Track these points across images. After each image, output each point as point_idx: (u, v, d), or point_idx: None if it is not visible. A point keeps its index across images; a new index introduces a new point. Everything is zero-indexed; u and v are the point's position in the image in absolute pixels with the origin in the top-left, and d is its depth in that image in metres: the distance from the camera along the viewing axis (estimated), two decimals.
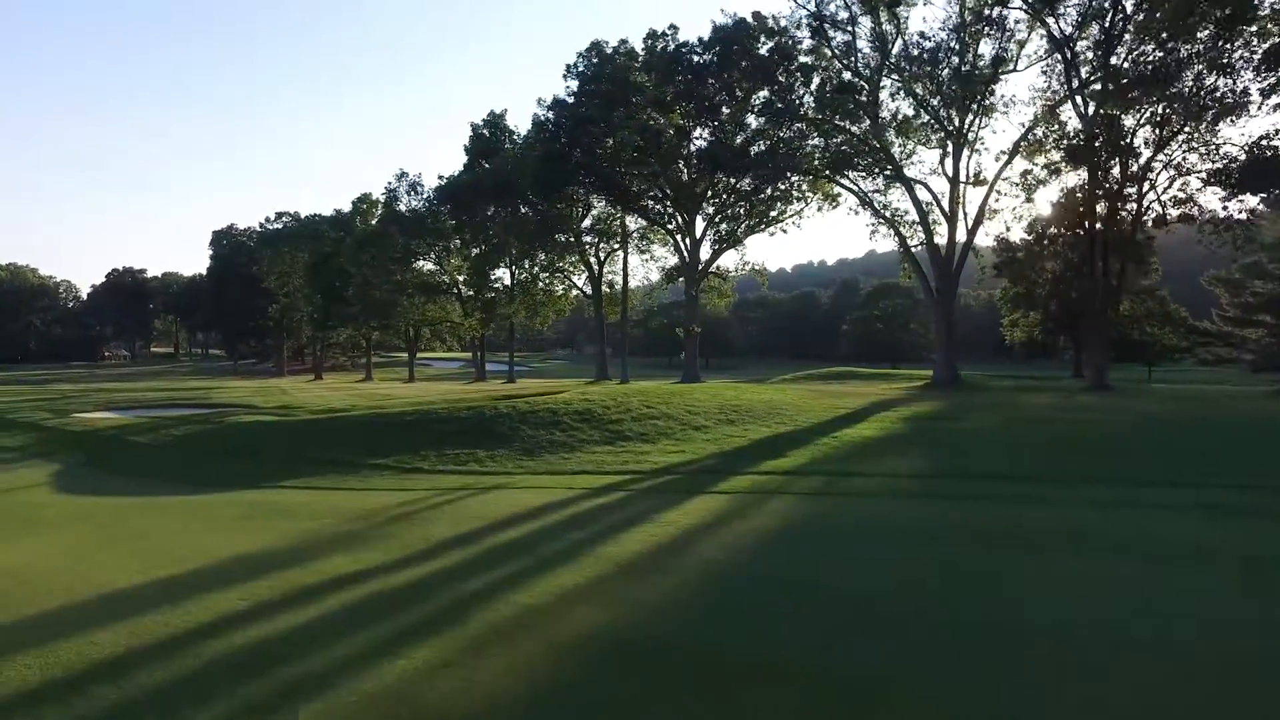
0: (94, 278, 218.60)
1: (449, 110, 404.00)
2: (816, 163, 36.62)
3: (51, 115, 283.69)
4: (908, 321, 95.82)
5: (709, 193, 44.05)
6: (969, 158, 34.07)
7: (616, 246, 51.33)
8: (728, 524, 8.76)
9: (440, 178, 57.10)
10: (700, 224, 44.36)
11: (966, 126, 33.14)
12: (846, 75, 34.42)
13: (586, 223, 49.99)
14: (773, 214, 44.31)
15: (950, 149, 33.71)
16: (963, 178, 34.06)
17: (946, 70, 32.14)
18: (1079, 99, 30.20)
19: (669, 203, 44.67)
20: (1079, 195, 31.89)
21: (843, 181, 36.98)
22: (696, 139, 41.85)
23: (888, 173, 35.18)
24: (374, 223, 65.25)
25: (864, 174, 35.63)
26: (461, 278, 57.56)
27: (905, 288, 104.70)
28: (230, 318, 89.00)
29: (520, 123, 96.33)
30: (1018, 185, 32.06)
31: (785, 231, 50.62)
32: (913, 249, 36.21)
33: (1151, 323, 51.40)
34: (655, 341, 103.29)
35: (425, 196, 57.19)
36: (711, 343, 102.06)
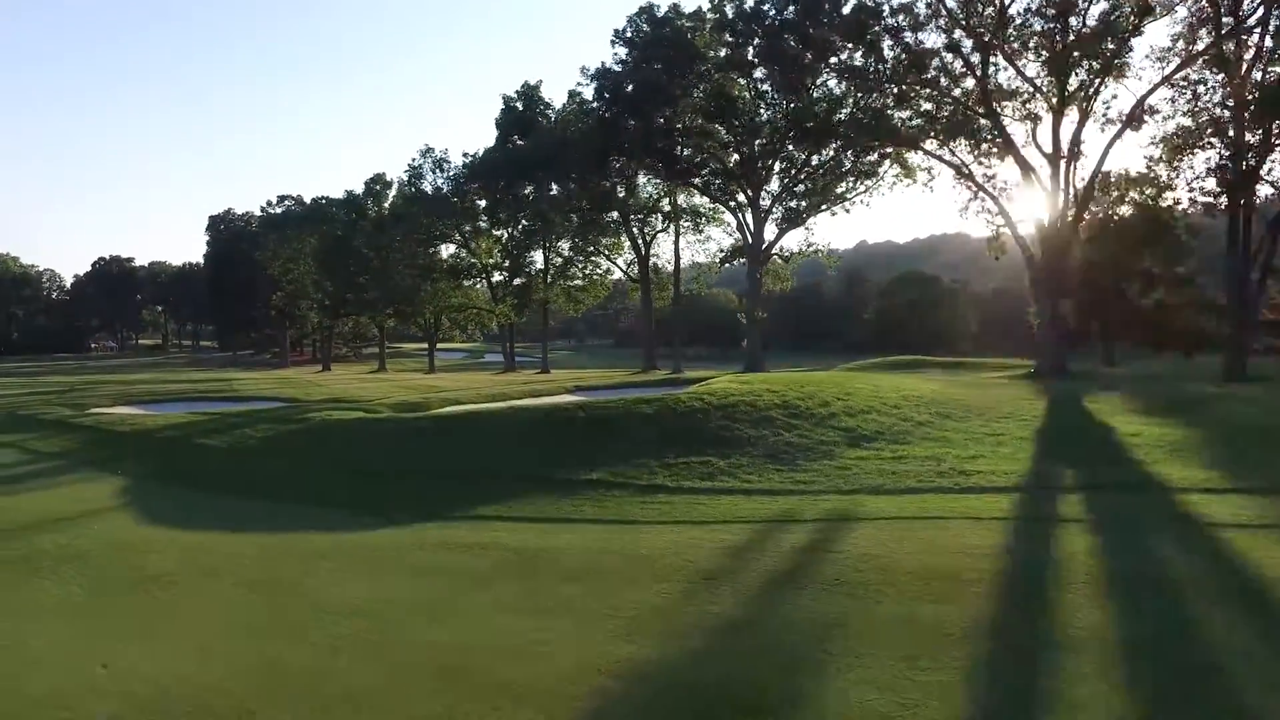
0: (78, 267, 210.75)
1: (453, 94, 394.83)
2: (913, 130, 33.09)
3: (31, 99, 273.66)
4: (936, 310, 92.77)
5: (776, 166, 40.60)
6: (1079, 126, 30.71)
7: (662, 227, 47.82)
8: None
9: (465, 155, 53.14)
10: (764, 201, 40.90)
11: (1090, 90, 29.73)
12: (958, 33, 30.84)
13: (632, 200, 46.32)
14: (839, 190, 41.00)
15: (1063, 116, 30.34)
16: (1073, 147, 30.75)
17: (1077, 21, 28.68)
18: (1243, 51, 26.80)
19: (730, 178, 41.17)
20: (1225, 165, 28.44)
21: (940, 153, 33.59)
22: (772, 105, 38.36)
23: (996, 141, 31.75)
24: (388, 204, 61.17)
25: (971, 143, 32.18)
26: (491, 261, 53.54)
27: (928, 276, 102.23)
28: (229, 307, 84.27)
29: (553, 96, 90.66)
30: (1156, 148, 28.71)
31: (848, 211, 47.27)
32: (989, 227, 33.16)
33: (1189, 312, 49.34)
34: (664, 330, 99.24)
35: (450, 174, 53.02)
36: (720, 333, 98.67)
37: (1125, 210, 33.03)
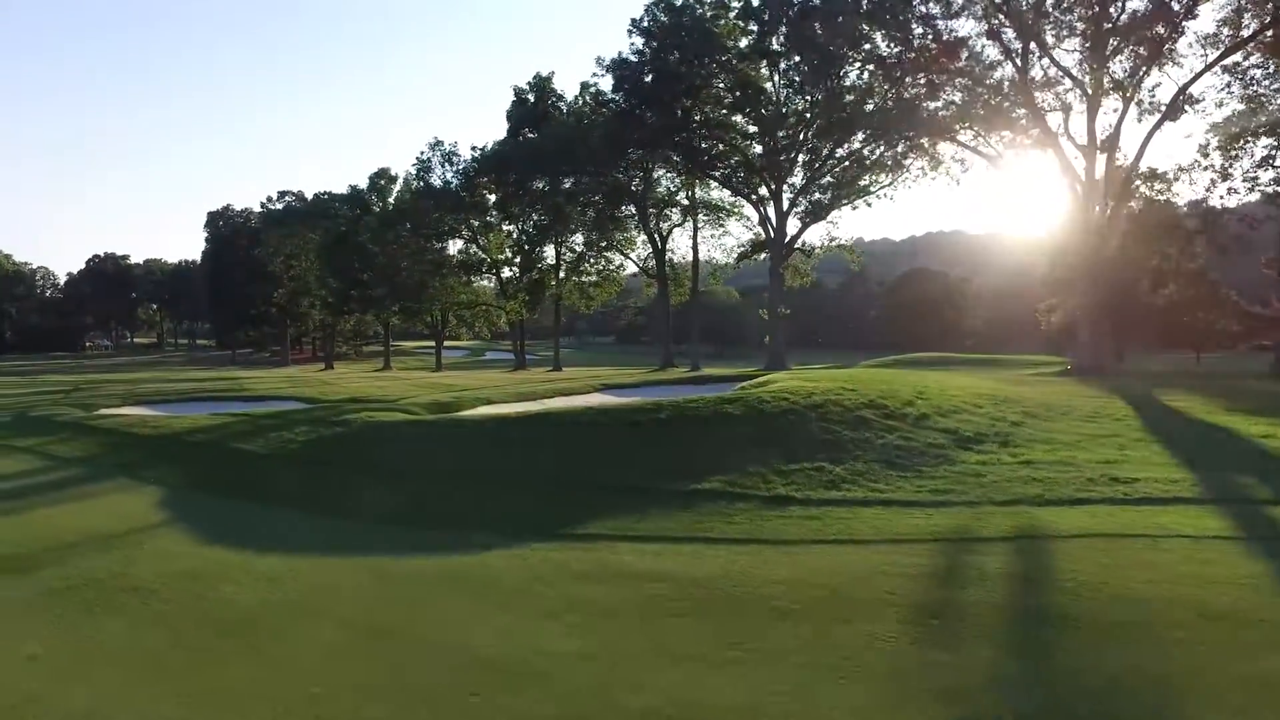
0: (73, 264, 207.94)
1: (457, 92, 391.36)
2: (948, 119, 32.10)
3: (26, 94, 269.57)
4: (942, 307, 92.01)
5: (799, 158, 39.56)
6: (1120, 116, 29.77)
7: (678, 221, 46.74)
8: None
9: (474, 148, 51.88)
10: (786, 195, 39.87)
11: (1137, 79, 28.78)
12: (996, 20, 29.83)
13: (649, 194, 45.20)
14: (863, 182, 39.93)
15: (1099, 105, 29.40)
16: (1112, 138, 29.83)
17: (1116, 9, 27.73)
18: None
19: (752, 170, 40.12)
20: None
21: (974, 144, 32.69)
22: (799, 92, 37.33)
23: (1031, 133, 30.82)
24: (392, 199, 59.87)
25: (1007, 135, 31.25)
26: (502, 256, 52.32)
27: (934, 272, 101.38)
28: (227, 304, 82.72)
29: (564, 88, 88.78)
30: (1210, 135, 27.83)
31: (869, 205, 46.29)
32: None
33: (1200, 308, 48.69)
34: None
35: (459, 168, 51.69)
36: (720, 331, 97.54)
37: (1137, 205, 32.16)
